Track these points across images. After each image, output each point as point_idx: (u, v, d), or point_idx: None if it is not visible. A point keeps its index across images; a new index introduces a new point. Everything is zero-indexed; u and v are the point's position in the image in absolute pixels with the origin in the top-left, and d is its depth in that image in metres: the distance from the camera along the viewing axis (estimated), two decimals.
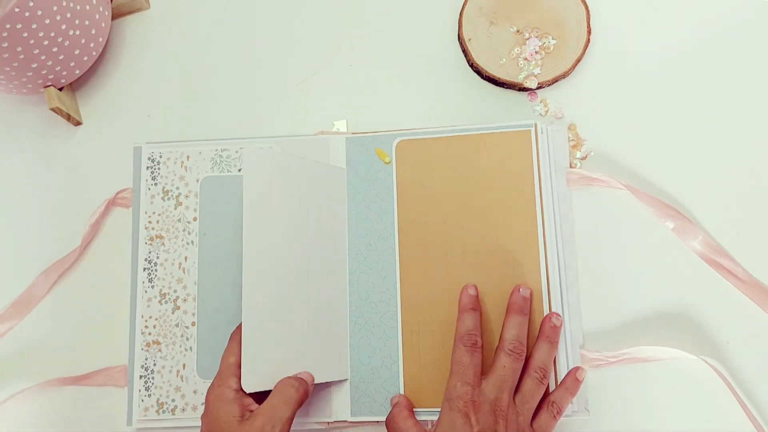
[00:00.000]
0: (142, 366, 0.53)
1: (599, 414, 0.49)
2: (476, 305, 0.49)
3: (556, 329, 0.48)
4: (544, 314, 0.49)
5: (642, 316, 0.51)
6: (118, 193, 0.58)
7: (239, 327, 0.47)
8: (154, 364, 0.53)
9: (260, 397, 0.46)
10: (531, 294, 0.49)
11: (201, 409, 0.52)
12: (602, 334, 0.51)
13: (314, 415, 0.51)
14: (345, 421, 0.51)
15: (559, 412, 0.46)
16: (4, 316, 0.57)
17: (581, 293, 0.52)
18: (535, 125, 0.52)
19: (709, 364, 0.49)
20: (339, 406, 0.51)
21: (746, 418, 0.48)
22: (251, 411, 0.44)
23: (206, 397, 0.46)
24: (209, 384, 0.51)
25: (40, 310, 0.58)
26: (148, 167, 0.56)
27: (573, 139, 0.55)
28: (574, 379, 0.47)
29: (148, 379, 0.53)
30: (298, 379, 0.46)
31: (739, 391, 0.49)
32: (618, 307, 0.52)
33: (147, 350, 0.53)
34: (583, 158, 0.54)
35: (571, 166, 0.54)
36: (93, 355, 0.56)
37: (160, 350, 0.53)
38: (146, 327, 0.54)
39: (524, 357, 0.46)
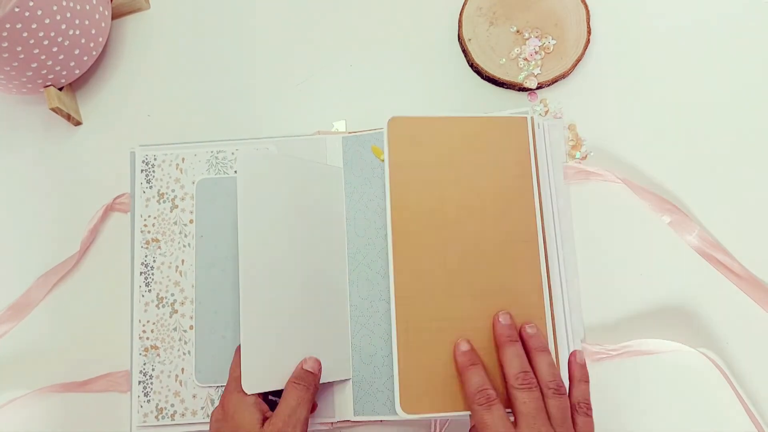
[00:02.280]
0: (141, 371, 0.52)
1: (600, 405, 0.48)
2: (475, 359, 0.46)
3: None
4: (545, 309, 0.48)
5: (641, 309, 0.52)
6: (116, 198, 0.58)
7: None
8: (153, 369, 0.52)
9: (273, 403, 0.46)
10: (511, 317, 0.47)
11: (200, 414, 0.51)
12: (602, 328, 0.51)
13: (318, 416, 0.51)
14: (348, 420, 0.51)
15: (589, 408, 0.45)
16: (2, 318, 0.56)
17: (581, 287, 0.52)
18: (531, 118, 0.51)
19: (707, 356, 0.49)
20: (342, 406, 0.51)
21: (742, 408, 0.48)
22: (267, 417, 0.44)
23: (224, 402, 0.46)
24: (207, 388, 0.51)
25: (40, 315, 0.57)
26: (142, 170, 0.56)
27: (572, 139, 0.55)
28: (580, 367, 0.47)
29: (147, 384, 0.52)
30: (305, 376, 0.46)
31: (735, 382, 0.49)
32: (617, 301, 0.52)
33: (145, 355, 0.53)
34: (583, 158, 0.55)
35: None
36: (95, 361, 0.55)
37: (158, 355, 0.53)
38: (144, 331, 0.53)
39: (536, 382, 0.44)
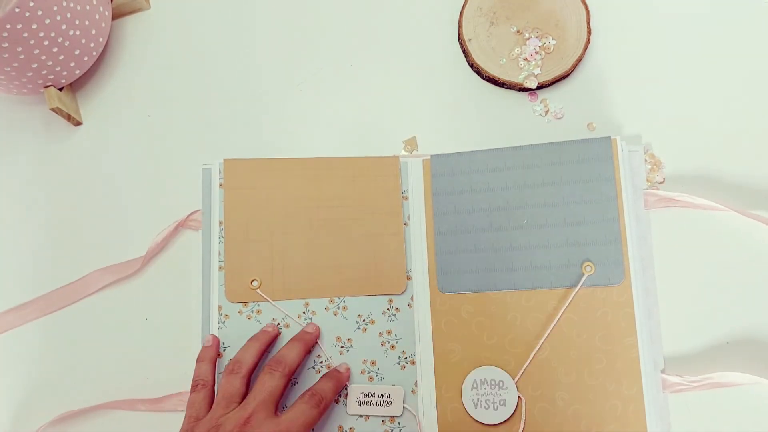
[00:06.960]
0: None
1: None
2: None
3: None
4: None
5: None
6: (189, 215, 0.56)
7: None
8: None
9: None
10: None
11: None
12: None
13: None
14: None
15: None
16: (51, 297, 0.56)
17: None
18: (614, 140, 0.51)
19: None
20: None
21: None
22: None
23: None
24: None
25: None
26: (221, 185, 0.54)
27: (650, 162, 0.54)
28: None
29: None
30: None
31: None
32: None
33: None
34: (661, 182, 0.53)
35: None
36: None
37: None
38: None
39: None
